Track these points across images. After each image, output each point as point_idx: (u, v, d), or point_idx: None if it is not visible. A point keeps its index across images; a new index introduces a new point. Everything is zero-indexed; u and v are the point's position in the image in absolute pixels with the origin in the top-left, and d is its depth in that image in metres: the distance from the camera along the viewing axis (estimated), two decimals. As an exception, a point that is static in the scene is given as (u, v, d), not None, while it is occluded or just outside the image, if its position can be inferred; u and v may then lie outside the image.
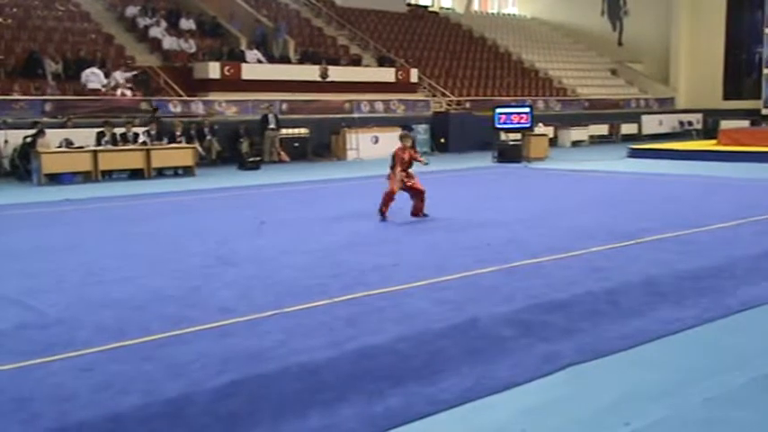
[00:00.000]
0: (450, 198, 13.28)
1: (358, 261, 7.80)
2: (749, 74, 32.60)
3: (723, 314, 5.73)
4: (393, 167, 10.65)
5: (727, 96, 33.10)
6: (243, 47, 24.24)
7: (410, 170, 10.75)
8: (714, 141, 22.96)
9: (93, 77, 19.95)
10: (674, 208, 11.50)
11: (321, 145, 22.76)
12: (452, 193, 14.12)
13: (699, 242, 8.59)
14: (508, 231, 9.59)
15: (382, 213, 10.59)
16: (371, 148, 22.85)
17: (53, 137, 17.01)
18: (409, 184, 10.66)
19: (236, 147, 20.55)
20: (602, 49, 37.56)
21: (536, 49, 35.69)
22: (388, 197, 10.62)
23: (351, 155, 22.53)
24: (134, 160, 17.42)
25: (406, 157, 10.68)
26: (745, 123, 28.76)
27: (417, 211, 10.69)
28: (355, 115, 23.88)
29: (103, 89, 19.87)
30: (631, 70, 36.15)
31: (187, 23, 24.99)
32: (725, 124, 27.81)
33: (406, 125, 10.35)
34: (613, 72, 36.27)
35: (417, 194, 10.68)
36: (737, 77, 33.16)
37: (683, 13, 34.52)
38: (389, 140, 23.30)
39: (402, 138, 11.02)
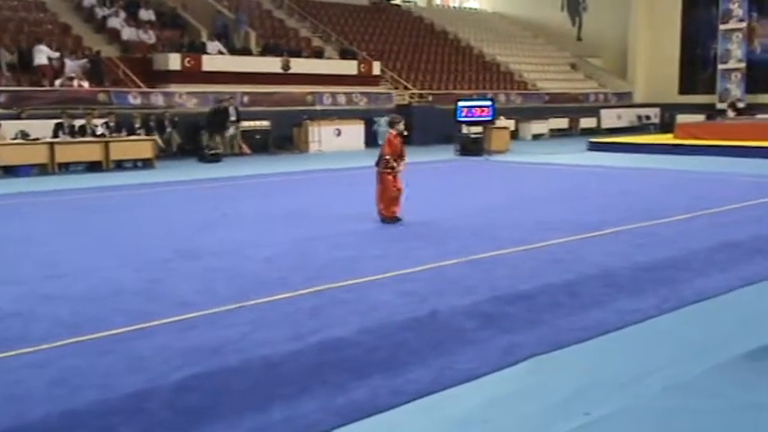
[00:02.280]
0: (413, 191, 13.25)
1: (321, 254, 7.76)
2: (704, 69, 33.18)
3: (679, 305, 5.82)
4: (386, 160, 9.57)
5: (683, 91, 33.68)
6: (203, 38, 23.96)
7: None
8: (671, 135, 23.33)
9: (39, 55, 19.51)
10: (633, 201, 11.66)
11: (283, 137, 22.61)
12: (416, 186, 14.09)
13: (656, 234, 8.71)
14: (471, 224, 9.62)
15: (393, 218, 9.58)
16: (334, 141, 22.80)
17: (8, 128, 16.63)
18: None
19: (197, 139, 20.32)
20: (562, 43, 37.93)
21: (497, 43, 35.90)
22: (396, 197, 9.65)
23: (313, 147, 22.45)
24: (92, 152, 17.11)
25: (398, 144, 9.69)
26: (701, 117, 29.28)
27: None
28: (317, 108, 23.78)
29: (52, 63, 19.42)
30: (590, 65, 36.58)
31: (146, 14, 24.61)
32: (681, 118, 28.28)
33: (390, 114, 9.13)
34: (573, 66, 36.65)
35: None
36: (693, 72, 33.73)
37: (640, 9, 35.00)
38: (352, 133, 23.37)
39: (394, 123, 9.92)
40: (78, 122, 17.32)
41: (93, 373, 4.46)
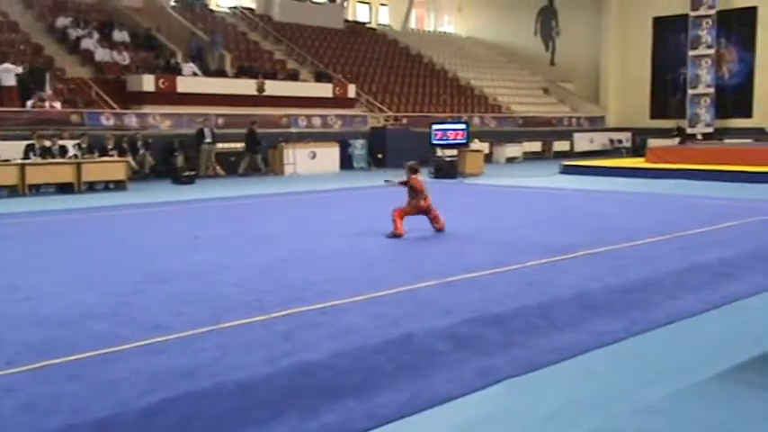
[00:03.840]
0: (386, 214, 13.31)
1: (295, 277, 7.74)
2: (674, 94, 33.79)
3: (650, 327, 5.88)
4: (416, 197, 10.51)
5: (654, 115, 34.23)
6: (178, 60, 23.94)
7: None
8: (642, 159, 23.66)
9: (4, 74, 19.37)
10: (605, 223, 11.78)
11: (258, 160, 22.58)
12: (390, 209, 14.14)
13: (628, 257, 8.80)
14: (445, 246, 9.66)
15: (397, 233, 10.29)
16: (309, 164, 22.83)
17: (-22, 149, 16.45)
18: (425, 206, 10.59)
19: (171, 161, 20.24)
20: (535, 68, 38.44)
21: (471, 66, 36.29)
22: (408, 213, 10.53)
23: (288, 170, 22.44)
24: (63, 174, 16.94)
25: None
26: (673, 141, 29.76)
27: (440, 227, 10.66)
28: (292, 130, 23.82)
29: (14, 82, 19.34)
30: (563, 89, 37.07)
31: (120, 35, 24.57)
32: (652, 142, 28.72)
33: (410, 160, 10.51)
34: (546, 91, 37.14)
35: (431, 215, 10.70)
36: (664, 97, 34.33)
37: (612, 35, 35.61)
38: (327, 155, 23.41)
39: (417, 170, 10.83)
40: (48, 143, 17.16)
41: (61, 398, 4.40)
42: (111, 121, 20.47)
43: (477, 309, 6.38)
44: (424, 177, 11.05)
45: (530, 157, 30.08)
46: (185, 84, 22.50)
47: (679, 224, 11.38)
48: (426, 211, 10.69)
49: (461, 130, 21.87)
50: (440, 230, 10.63)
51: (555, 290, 7.07)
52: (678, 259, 8.62)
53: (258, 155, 22.32)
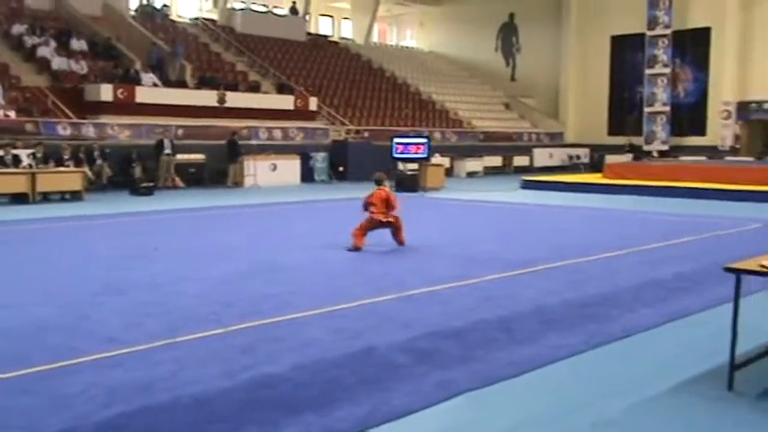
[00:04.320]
0: (347, 227, 13.31)
1: (254, 289, 7.70)
2: (631, 112, 34.39)
3: (607, 341, 5.97)
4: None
5: (611, 132, 34.81)
6: (138, 69, 23.71)
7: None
8: (600, 175, 24.04)
9: None
10: (563, 238, 11.94)
11: (218, 171, 22.43)
12: (350, 222, 14.15)
13: (586, 271, 8.93)
14: (406, 259, 9.70)
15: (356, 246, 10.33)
16: (269, 176, 22.74)
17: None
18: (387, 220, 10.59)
19: (129, 171, 20.00)
20: (496, 83, 38.86)
21: (433, 81, 36.56)
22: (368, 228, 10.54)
23: (248, 182, 22.33)
24: (17, 184, 16.60)
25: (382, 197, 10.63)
26: (627, 158, 30.30)
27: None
28: (253, 142, 23.71)
29: None
30: (524, 105, 37.52)
31: (78, 44, 24.24)
32: (610, 158, 29.21)
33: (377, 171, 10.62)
34: (507, 106, 37.54)
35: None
36: (621, 114, 34.92)
37: (571, 52, 36.20)
38: (288, 168, 23.35)
39: (382, 181, 10.87)
40: (1, 152, 16.82)
41: (14, 413, 4.31)
42: (68, 131, 20.16)
43: (437, 322, 6.41)
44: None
45: (490, 171, 30.34)
46: (144, 94, 22.28)
47: (636, 239, 11.58)
48: (389, 225, 10.69)
49: (423, 144, 22.00)
50: (401, 244, 10.67)
51: (514, 304, 7.14)
52: (635, 274, 8.77)
53: (236, 165, 22.31)
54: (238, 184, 22.16)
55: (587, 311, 6.89)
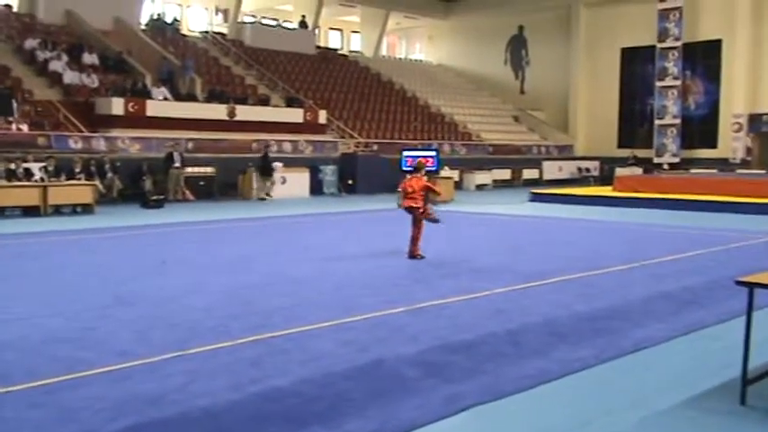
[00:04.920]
0: (356, 239, 13.34)
1: (263, 302, 7.70)
2: (641, 124, 34.34)
3: (617, 354, 5.94)
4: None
5: (621, 145, 34.71)
6: (148, 83, 23.86)
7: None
8: (610, 187, 23.98)
9: None
10: (573, 251, 11.90)
11: (228, 185, 22.51)
12: (360, 235, 14.20)
13: (596, 285, 8.90)
14: (415, 272, 9.68)
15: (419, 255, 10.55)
16: (279, 189, 22.78)
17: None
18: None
19: (139, 184, 20.09)
20: (505, 96, 38.89)
21: (442, 94, 36.61)
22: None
23: (257, 194, 22.38)
24: (29, 197, 16.70)
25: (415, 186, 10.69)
26: (632, 171, 30.24)
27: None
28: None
29: None
30: (533, 118, 37.51)
31: (90, 58, 24.43)
32: (619, 171, 29.14)
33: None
34: (516, 119, 37.55)
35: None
36: (631, 127, 34.86)
37: (581, 64, 36.20)
38: (297, 181, 23.39)
39: (420, 169, 11.00)
40: (13, 166, 16.92)
41: (22, 426, 4.31)
42: (79, 144, 20.29)
43: (445, 335, 6.39)
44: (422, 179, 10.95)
45: (499, 184, 30.33)
46: (155, 107, 22.41)
47: (647, 252, 11.53)
48: (410, 212, 10.75)
49: (432, 156, 22.01)
50: (411, 255, 10.63)
51: (524, 317, 7.12)
52: (646, 287, 8.72)
53: (271, 179, 22.52)
54: (268, 196, 22.28)
55: (597, 325, 6.86)
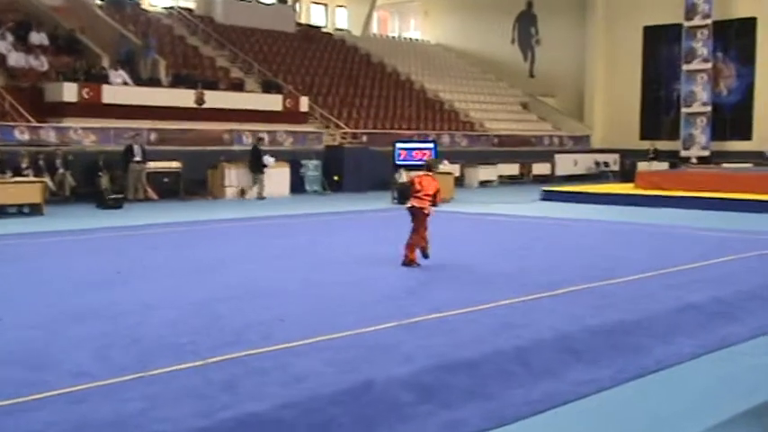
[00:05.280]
0: (343, 243, 13.36)
1: (236, 316, 7.72)
2: (667, 112, 34.42)
3: (639, 374, 6.00)
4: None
5: (644, 136, 34.75)
6: (105, 66, 23.82)
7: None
8: (631, 184, 24.09)
9: None
10: (589, 257, 11.97)
11: (196, 181, 22.51)
12: (346, 238, 14.22)
13: (615, 295, 8.95)
14: (409, 282, 9.72)
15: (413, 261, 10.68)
16: (254, 187, 22.78)
17: None
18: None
19: (95, 182, 20.06)
20: (513, 80, 38.94)
21: (440, 77, 36.68)
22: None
23: (230, 193, 22.38)
24: (-32, 196, 16.67)
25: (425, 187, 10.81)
26: (664, 165, 30.35)
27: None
28: (235, 148, 23.79)
29: None
30: (544, 105, 37.60)
31: (38, 37, 24.37)
32: (642, 166, 29.26)
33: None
34: (524, 106, 37.64)
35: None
36: (656, 116, 34.91)
37: (598, 44, 36.28)
38: (275, 177, 23.39)
39: (432, 167, 11.23)
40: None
41: (-37, 458, 4.33)
42: (26, 136, 20.23)
43: (444, 354, 6.43)
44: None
45: (506, 180, 30.43)
46: (112, 94, 22.36)
47: (671, 258, 11.60)
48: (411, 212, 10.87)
49: (429, 149, 22.09)
50: (423, 252, 10.77)
51: (533, 332, 7.16)
52: (671, 298, 8.79)
53: (262, 175, 22.66)
54: (260, 196, 22.40)
55: (616, 341, 6.91)
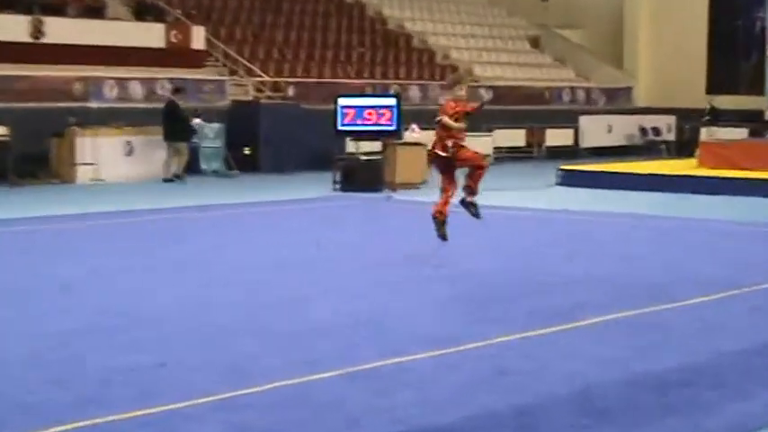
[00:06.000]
0: (257, 253, 13.33)
1: (103, 357, 7.69)
2: (747, 55, 34.61)
3: (701, 446, 6.09)
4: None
5: (713, 89, 34.88)
6: None
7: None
8: (692, 161, 24.25)
9: None
10: (628, 271, 12.05)
11: (31, 157, 22.29)
12: (263, 246, 14.18)
13: (665, 327, 9.05)
14: (355, 309, 9.72)
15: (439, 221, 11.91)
16: (121, 164, 22.65)
17: None
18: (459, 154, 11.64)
19: None
20: (516, 5, 38.93)
21: (408, 1, 36.54)
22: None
23: (84, 174, 22.18)
24: None
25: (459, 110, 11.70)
26: (743, 132, 30.54)
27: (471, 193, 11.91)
28: (92, 105, 23.60)
29: None
30: (564, 41, 37.60)
31: None
32: (706, 133, 29.46)
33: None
34: (535, 43, 37.62)
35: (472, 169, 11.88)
36: (729, 61, 35.05)
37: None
38: (153, 150, 23.19)
39: (458, 82, 12.25)
40: None
41: None
42: None
43: (407, 417, 6.45)
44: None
45: (505, 155, 30.38)
46: None
47: (750, 271, 11.74)
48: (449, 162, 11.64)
49: (389, 107, 22.03)
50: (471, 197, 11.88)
51: (543, 384, 7.21)
52: (748, 331, 8.90)
53: (185, 144, 23.08)
54: (178, 177, 22.51)
55: (668, 395, 6.98)
